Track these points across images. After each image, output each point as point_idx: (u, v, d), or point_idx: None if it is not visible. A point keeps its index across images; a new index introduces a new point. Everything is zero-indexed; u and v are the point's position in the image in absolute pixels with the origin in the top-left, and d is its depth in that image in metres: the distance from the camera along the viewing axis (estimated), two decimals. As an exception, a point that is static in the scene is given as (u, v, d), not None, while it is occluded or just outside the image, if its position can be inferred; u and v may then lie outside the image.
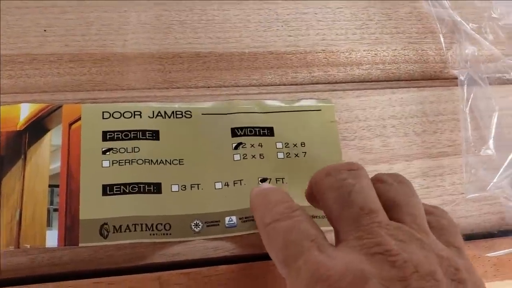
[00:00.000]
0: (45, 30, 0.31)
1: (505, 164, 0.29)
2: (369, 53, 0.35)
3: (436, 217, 0.24)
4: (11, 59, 0.30)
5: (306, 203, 0.28)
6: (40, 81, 0.30)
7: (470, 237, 0.30)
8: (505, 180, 0.29)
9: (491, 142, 0.30)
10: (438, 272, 0.19)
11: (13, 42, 0.31)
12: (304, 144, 0.30)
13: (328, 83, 0.34)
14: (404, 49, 0.35)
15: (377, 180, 0.24)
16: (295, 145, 0.30)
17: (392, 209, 0.23)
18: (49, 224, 0.26)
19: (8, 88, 0.30)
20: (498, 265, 0.29)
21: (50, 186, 0.26)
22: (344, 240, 0.21)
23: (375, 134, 0.32)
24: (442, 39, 0.35)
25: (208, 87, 0.32)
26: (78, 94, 0.30)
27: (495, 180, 0.28)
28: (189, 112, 0.30)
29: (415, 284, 0.19)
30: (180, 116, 0.30)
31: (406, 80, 0.34)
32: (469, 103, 0.32)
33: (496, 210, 0.31)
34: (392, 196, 0.23)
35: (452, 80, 0.34)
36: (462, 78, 0.33)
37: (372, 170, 0.31)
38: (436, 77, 0.35)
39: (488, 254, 0.28)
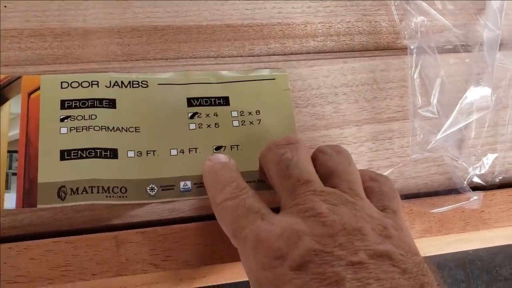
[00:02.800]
0: (5, 6, 0.32)
1: (446, 124, 0.30)
2: (323, 25, 0.36)
3: (379, 183, 0.27)
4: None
5: (255, 168, 0.29)
6: (2, 55, 0.31)
7: (416, 195, 0.31)
8: (450, 141, 0.31)
9: (434, 104, 0.31)
10: (365, 228, 0.22)
11: (-28, 16, 0.32)
12: (259, 112, 0.32)
13: (284, 54, 0.35)
14: (358, 21, 0.36)
15: (318, 151, 0.27)
16: (250, 113, 0.31)
17: (330, 177, 0.26)
18: (7, 187, 0.27)
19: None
20: (442, 220, 0.30)
21: (9, 151, 0.27)
22: (284, 208, 0.24)
23: (327, 101, 0.33)
24: (394, 11, 0.36)
25: (166, 59, 0.33)
26: (39, 67, 0.31)
27: (436, 138, 0.30)
28: (145, 82, 0.31)
29: (342, 239, 0.22)
30: (137, 85, 0.31)
31: (360, 51, 0.36)
32: (418, 70, 0.33)
33: (443, 170, 0.32)
34: (330, 166, 0.26)
35: (403, 50, 0.36)
36: (412, 47, 0.34)
37: (323, 134, 0.32)
38: (389, 48, 0.36)
39: (433, 210, 0.30)
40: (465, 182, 0.31)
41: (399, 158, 0.32)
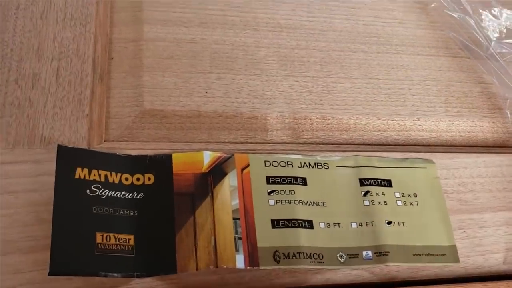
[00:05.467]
0: (206, 92, 0.39)
1: None
2: (453, 122, 0.43)
3: None
4: (182, 115, 0.37)
5: (423, 243, 0.35)
6: (205, 134, 0.37)
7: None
8: None
9: None
10: None
11: (183, 101, 0.38)
12: (416, 194, 0.38)
13: (423, 145, 0.41)
14: (479, 121, 0.44)
15: None
16: (409, 195, 0.38)
17: None
18: (236, 249, 0.32)
19: (181, 138, 0.37)
20: None
21: (233, 218, 0.33)
22: None
23: (468, 189, 0.39)
24: (509, 115, 0.44)
25: (332, 144, 0.40)
26: (237, 145, 0.37)
27: None
28: (326, 164, 0.37)
29: None
30: (321, 167, 0.37)
31: (482, 146, 0.43)
32: (538, 167, 0.40)
33: None
34: None
35: (519, 148, 0.43)
36: (528, 147, 0.42)
37: (468, 218, 0.38)
38: (504, 145, 0.43)
39: None
40: None
41: (529, 241, 0.38)
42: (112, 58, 0.38)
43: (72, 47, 0.37)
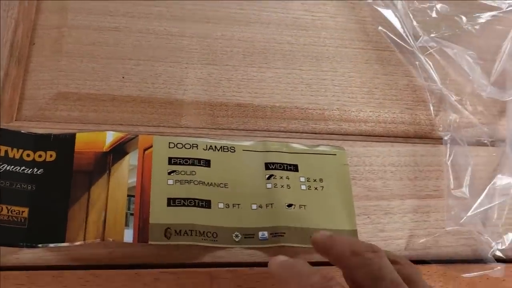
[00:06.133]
0: (123, 77, 0.40)
1: (475, 205, 0.37)
2: (374, 113, 0.43)
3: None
4: (96, 98, 0.39)
5: (323, 226, 0.36)
6: (118, 116, 0.38)
7: (448, 261, 0.37)
8: (477, 219, 0.37)
9: (465, 187, 0.38)
10: None
11: (98, 85, 0.39)
12: (322, 180, 0.38)
13: (341, 134, 0.42)
14: (402, 113, 0.44)
15: (392, 261, 0.29)
16: (315, 180, 0.38)
17: (409, 284, 0.27)
18: (126, 224, 0.33)
19: (93, 120, 0.38)
20: (470, 285, 0.36)
21: (128, 195, 0.34)
22: None
23: (378, 177, 0.40)
24: (431, 107, 0.44)
25: (246, 130, 0.40)
26: (148, 128, 0.38)
27: (467, 215, 0.37)
28: (233, 148, 0.38)
29: None
30: (227, 150, 0.38)
31: (402, 137, 0.43)
32: (451, 158, 0.40)
33: (471, 243, 0.39)
34: (407, 274, 0.28)
35: (438, 140, 0.43)
36: (445, 138, 0.42)
37: (374, 204, 0.39)
38: (426, 137, 0.44)
39: (464, 275, 0.36)
40: (489, 254, 0.37)
41: (434, 229, 0.39)
42: (34, 44, 0.40)
43: (-8, 31, 0.38)
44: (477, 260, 0.38)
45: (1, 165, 0.33)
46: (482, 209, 0.37)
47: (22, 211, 0.32)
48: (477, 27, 0.47)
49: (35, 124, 0.37)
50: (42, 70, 0.39)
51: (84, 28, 0.41)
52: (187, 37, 0.43)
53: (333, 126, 0.42)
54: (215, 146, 0.38)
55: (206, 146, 0.38)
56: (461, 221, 0.37)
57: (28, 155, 0.34)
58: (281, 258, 0.30)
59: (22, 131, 0.35)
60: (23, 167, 0.34)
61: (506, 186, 0.38)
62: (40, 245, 0.32)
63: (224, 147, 0.38)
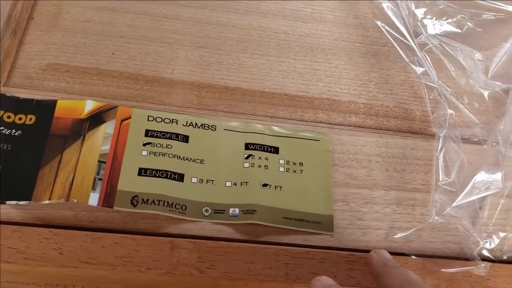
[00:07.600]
0: (113, 53, 0.41)
1: (461, 195, 0.35)
2: (365, 106, 0.42)
3: None
4: (83, 71, 0.39)
5: (297, 208, 0.35)
6: (103, 90, 0.39)
7: (430, 256, 0.35)
8: (464, 213, 0.35)
9: (453, 180, 0.36)
10: None
11: (87, 59, 0.40)
12: (302, 164, 0.37)
13: (329, 123, 0.41)
14: (396, 107, 0.43)
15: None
16: (294, 163, 0.37)
17: None
18: (93, 188, 0.33)
19: (78, 91, 0.38)
20: (451, 280, 0.34)
21: (99, 161, 0.34)
22: None
23: (362, 166, 0.38)
24: (428, 104, 0.43)
25: (232, 113, 0.40)
26: (130, 102, 0.38)
27: (452, 206, 0.35)
28: (214, 126, 0.38)
29: None
30: (207, 128, 0.37)
31: (394, 131, 0.42)
32: (442, 152, 0.39)
33: (456, 240, 0.36)
34: None
35: (432, 136, 0.41)
36: (440, 134, 0.40)
37: (355, 192, 0.37)
38: (420, 133, 0.42)
39: (443, 270, 0.34)
40: (475, 252, 0.35)
41: (418, 223, 0.37)
42: (32, 18, 0.41)
43: (-7, 4, 0.40)
44: (461, 258, 0.35)
45: (-21, 123, 0.34)
46: (466, 201, 0.35)
47: (-6, 169, 0.33)
48: (480, 27, 0.46)
49: (22, 90, 0.38)
50: (36, 43, 0.40)
51: (82, 6, 0.43)
52: (181, 20, 0.44)
53: (322, 115, 0.41)
54: (196, 123, 0.37)
55: (187, 122, 0.37)
56: (445, 211, 0.35)
57: (8, 117, 0.35)
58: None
59: (6, 94, 0.36)
60: (2, 127, 0.34)
61: (491, 181, 0.36)
62: (7, 202, 0.32)
63: (205, 125, 0.38)
